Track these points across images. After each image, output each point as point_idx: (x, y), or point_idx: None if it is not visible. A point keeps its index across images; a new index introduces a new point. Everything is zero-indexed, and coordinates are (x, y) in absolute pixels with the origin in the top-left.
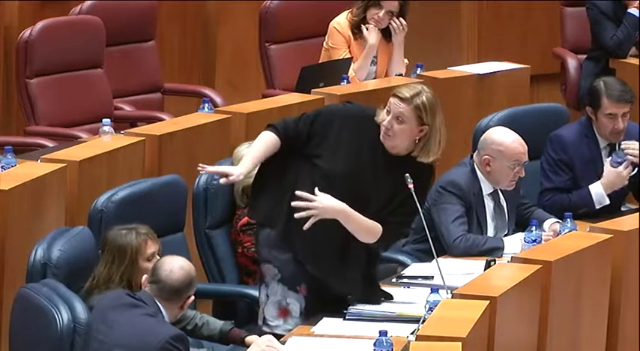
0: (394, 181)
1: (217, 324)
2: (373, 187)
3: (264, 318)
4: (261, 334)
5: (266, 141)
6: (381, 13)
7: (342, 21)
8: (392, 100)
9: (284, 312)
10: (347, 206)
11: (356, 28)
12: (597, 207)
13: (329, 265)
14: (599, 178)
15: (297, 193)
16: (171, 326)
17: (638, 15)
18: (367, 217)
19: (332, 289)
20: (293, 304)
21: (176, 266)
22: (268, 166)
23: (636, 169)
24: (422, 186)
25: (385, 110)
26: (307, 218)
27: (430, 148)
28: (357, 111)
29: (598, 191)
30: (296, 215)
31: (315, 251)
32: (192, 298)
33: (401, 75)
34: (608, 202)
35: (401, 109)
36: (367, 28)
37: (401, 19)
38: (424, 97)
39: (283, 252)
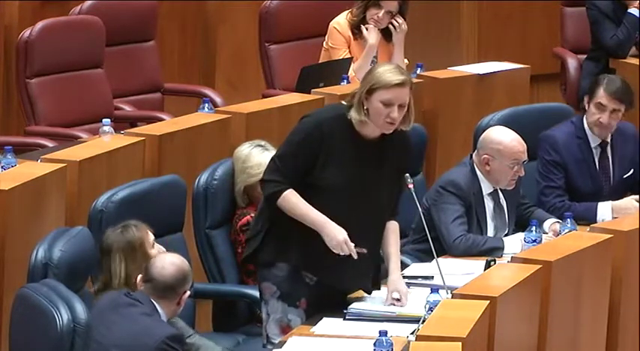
0: (384, 164)
1: (216, 349)
2: (377, 183)
3: (267, 336)
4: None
5: (299, 198)
6: (381, 13)
7: (342, 21)
8: (390, 91)
9: (286, 329)
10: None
11: (356, 29)
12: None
13: (357, 275)
14: (592, 179)
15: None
16: (167, 326)
17: (638, 15)
18: (383, 214)
19: (348, 289)
20: (294, 320)
21: (167, 262)
22: (263, 213)
23: (631, 170)
24: (411, 151)
25: (379, 104)
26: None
27: (412, 115)
28: (331, 115)
29: (605, 212)
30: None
31: (346, 271)
32: (188, 293)
33: None
34: (610, 219)
35: (404, 96)
36: (367, 28)
37: (401, 18)
38: (406, 69)
39: (280, 270)
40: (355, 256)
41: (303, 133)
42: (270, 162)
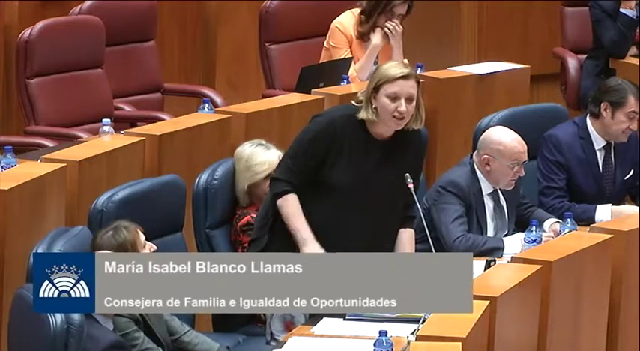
0: (394, 165)
1: (213, 345)
2: (387, 184)
3: (271, 333)
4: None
5: (298, 206)
6: (395, 19)
7: (344, 20)
8: (395, 84)
9: (289, 325)
10: None
11: (366, 36)
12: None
13: None
14: (595, 180)
15: None
16: (109, 334)
17: (630, 15)
18: (395, 215)
19: None
20: (297, 316)
21: None
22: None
23: (631, 171)
24: (422, 153)
25: (386, 99)
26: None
27: (422, 113)
28: (343, 114)
29: (604, 215)
30: None
31: None
32: None
33: None
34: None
35: (410, 88)
36: (374, 30)
37: (395, 21)
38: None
39: None
40: None
41: (314, 132)
42: (281, 161)
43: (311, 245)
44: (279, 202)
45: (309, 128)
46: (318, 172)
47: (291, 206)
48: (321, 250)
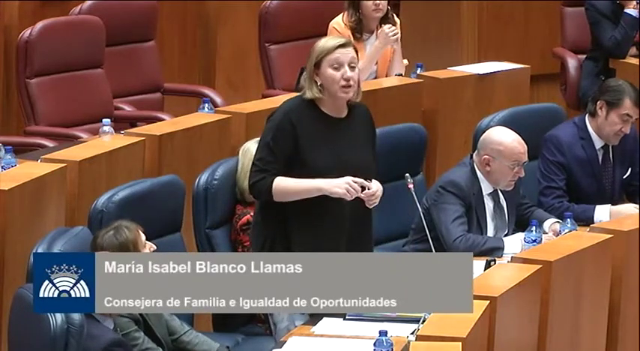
0: (359, 138)
1: (213, 345)
2: (357, 157)
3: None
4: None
5: (289, 179)
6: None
7: (340, 21)
8: (336, 52)
9: None
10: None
11: (358, 33)
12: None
13: None
14: (596, 180)
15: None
16: (109, 332)
17: (635, 15)
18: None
19: None
20: (299, 323)
21: None
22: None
23: (629, 170)
24: (373, 123)
25: (331, 70)
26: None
27: (361, 85)
28: (295, 104)
29: (603, 215)
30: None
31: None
32: None
33: (400, 75)
34: (607, 220)
35: (350, 55)
36: (380, 33)
37: (390, 26)
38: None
39: None
40: (366, 185)
41: (273, 130)
42: (251, 167)
43: (329, 182)
44: (273, 191)
45: (267, 128)
46: (293, 163)
47: (284, 183)
48: (341, 178)
